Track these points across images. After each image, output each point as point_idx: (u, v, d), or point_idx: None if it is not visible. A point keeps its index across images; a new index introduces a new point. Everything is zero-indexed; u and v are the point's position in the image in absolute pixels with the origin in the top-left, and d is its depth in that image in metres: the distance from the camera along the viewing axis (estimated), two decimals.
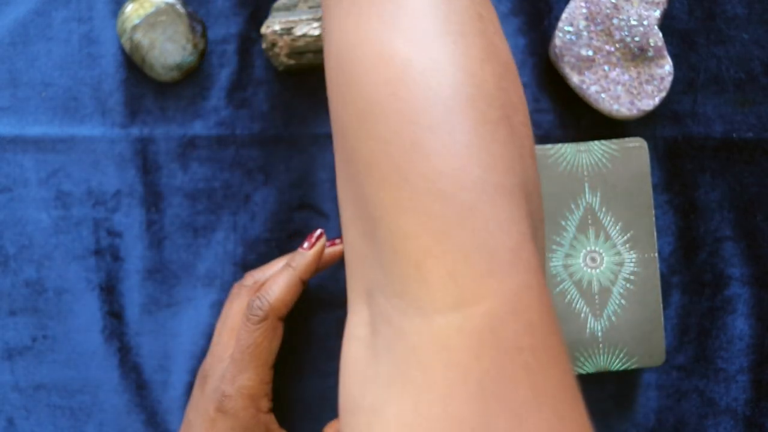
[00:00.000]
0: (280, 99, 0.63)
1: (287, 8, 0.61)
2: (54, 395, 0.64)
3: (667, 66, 0.61)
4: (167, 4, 0.61)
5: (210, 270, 0.63)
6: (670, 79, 0.61)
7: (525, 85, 0.64)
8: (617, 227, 0.58)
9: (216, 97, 0.63)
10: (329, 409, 0.64)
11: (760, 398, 0.64)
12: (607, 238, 0.58)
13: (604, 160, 0.58)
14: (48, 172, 0.63)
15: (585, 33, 0.61)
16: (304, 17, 0.61)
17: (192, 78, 0.63)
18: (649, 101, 0.61)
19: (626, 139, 0.59)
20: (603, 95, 0.61)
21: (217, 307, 0.63)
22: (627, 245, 0.58)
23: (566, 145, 0.58)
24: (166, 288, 0.63)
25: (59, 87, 0.63)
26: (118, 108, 0.63)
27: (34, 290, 0.63)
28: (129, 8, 0.61)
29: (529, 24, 0.63)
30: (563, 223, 0.57)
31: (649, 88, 0.61)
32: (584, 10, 0.61)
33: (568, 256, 0.57)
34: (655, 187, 0.64)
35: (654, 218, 0.59)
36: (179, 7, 0.61)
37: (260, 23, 0.63)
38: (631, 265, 0.58)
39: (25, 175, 0.63)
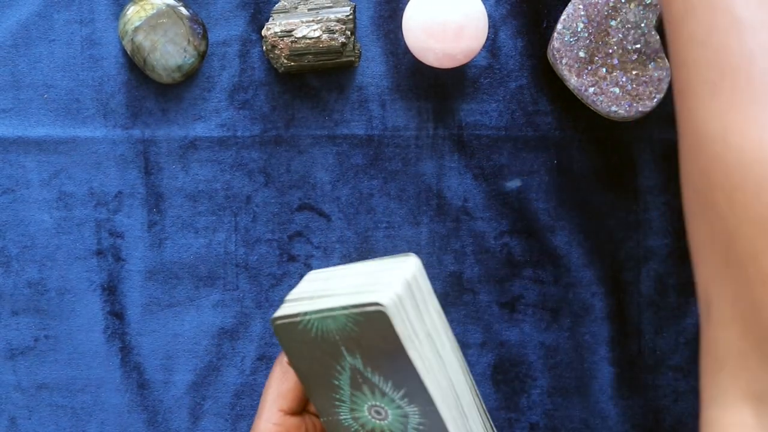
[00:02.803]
0: (280, 100, 0.64)
1: (287, 10, 0.62)
2: (56, 395, 0.64)
3: (664, 68, 0.61)
4: (168, 6, 0.62)
5: (212, 271, 0.64)
6: (667, 80, 0.61)
7: (523, 87, 0.64)
8: (388, 385, 0.53)
9: (217, 98, 0.64)
10: None
11: None
12: (383, 394, 0.53)
13: (350, 325, 0.51)
14: (50, 173, 0.63)
15: (583, 35, 0.61)
16: (304, 19, 0.61)
17: (193, 80, 0.64)
18: (647, 103, 0.61)
19: (366, 303, 0.50)
20: (601, 97, 0.61)
21: (219, 307, 0.64)
22: (405, 400, 0.53)
23: (309, 312, 0.52)
24: (167, 288, 0.64)
25: (61, 89, 0.63)
26: (120, 110, 0.63)
27: (36, 290, 0.64)
28: (130, 10, 0.62)
29: (528, 26, 0.64)
30: (336, 382, 0.54)
31: (646, 89, 0.61)
32: (582, 13, 0.61)
33: (352, 410, 0.54)
34: (652, 188, 0.64)
35: (420, 374, 0.51)
36: (180, 9, 0.62)
37: (261, 25, 0.64)
38: (416, 416, 0.53)
39: (28, 176, 0.63)
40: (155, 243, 0.64)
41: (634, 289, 0.64)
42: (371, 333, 0.51)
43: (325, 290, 0.54)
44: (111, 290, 0.64)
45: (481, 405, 0.57)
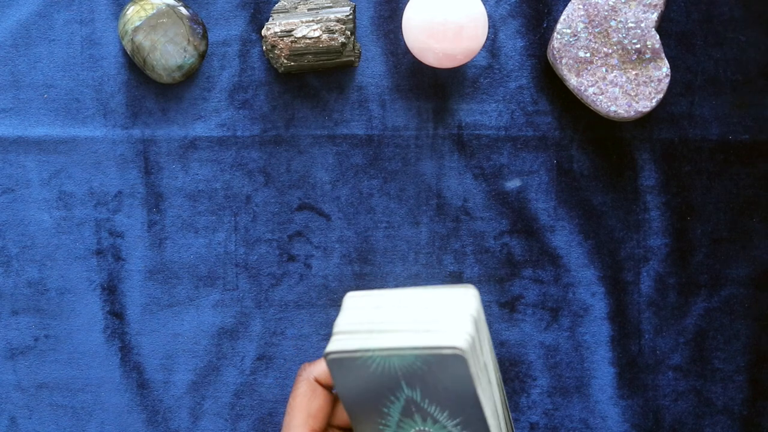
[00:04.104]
0: (280, 100, 0.64)
1: (287, 10, 0.62)
2: (56, 394, 0.64)
3: (664, 68, 0.61)
4: (168, 6, 0.62)
5: (212, 270, 0.64)
6: (667, 81, 0.61)
7: (523, 87, 0.64)
8: (444, 414, 0.52)
9: (217, 98, 0.64)
10: None
11: (756, 398, 0.64)
12: (435, 421, 0.52)
13: (419, 363, 0.50)
14: (50, 173, 0.63)
15: (583, 35, 0.61)
16: (304, 19, 0.61)
17: (193, 79, 0.64)
18: (647, 103, 0.61)
19: (441, 346, 0.49)
20: (600, 97, 0.61)
21: (219, 307, 0.64)
22: (458, 427, 0.52)
23: (372, 349, 0.51)
24: (167, 288, 0.64)
25: (61, 88, 0.63)
26: (120, 109, 0.63)
27: (36, 290, 0.64)
28: (130, 10, 0.62)
29: (528, 26, 0.64)
30: (386, 410, 0.52)
31: (646, 89, 0.61)
32: (582, 13, 0.61)
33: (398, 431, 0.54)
34: (652, 188, 0.64)
35: (482, 407, 0.51)
36: (180, 9, 0.62)
37: (261, 25, 0.64)
38: None
39: (28, 176, 0.63)
40: (155, 243, 0.64)
41: (634, 289, 0.64)
42: (440, 372, 0.50)
43: (381, 323, 0.52)
44: (111, 290, 0.64)
45: (509, 417, 0.56)
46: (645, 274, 0.64)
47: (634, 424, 0.64)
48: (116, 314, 0.64)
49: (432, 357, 0.49)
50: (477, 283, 0.64)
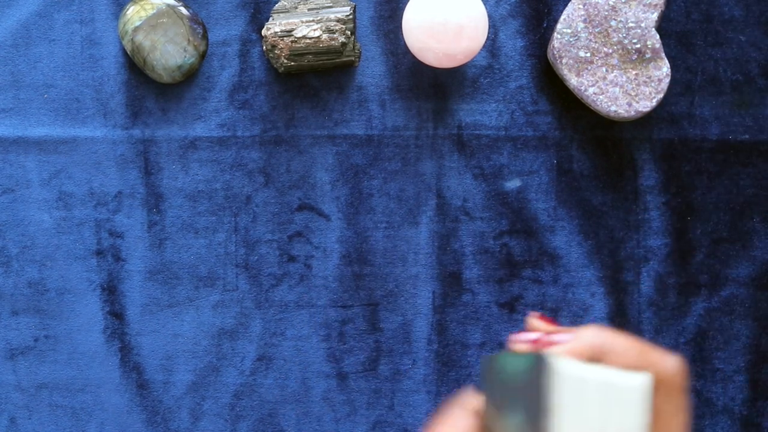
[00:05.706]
0: (280, 100, 0.64)
1: (287, 10, 0.62)
2: (56, 395, 0.64)
3: (664, 68, 0.61)
4: (168, 6, 0.62)
5: (212, 271, 0.64)
6: (667, 80, 0.61)
7: (523, 87, 0.64)
8: None
9: (217, 98, 0.64)
10: (330, 409, 0.64)
11: (756, 398, 0.64)
12: None
13: (527, 374, 0.43)
14: (50, 173, 0.63)
15: (583, 35, 0.61)
16: (304, 19, 0.61)
17: (193, 79, 0.64)
18: (647, 103, 0.61)
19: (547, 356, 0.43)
20: (601, 97, 0.61)
21: (219, 307, 0.64)
22: None
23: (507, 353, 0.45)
24: (167, 288, 0.64)
25: (61, 88, 0.63)
26: (120, 109, 0.63)
27: (36, 290, 0.64)
28: (130, 10, 0.62)
29: (528, 26, 0.64)
30: None
31: (646, 89, 0.61)
32: (582, 13, 0.61)
33: None
34: (652, 188, 0.64)
35: None
36: (180, 9, 0.62)
37: (261, 25, 0.64)
38: None
39: (28, 176, 0.63)
40: (155, 243, 0.64)
41: (634, 289, 0.64)
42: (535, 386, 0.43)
43: None
44: (111, 290, 0.64)
45: None
46: (645, 274, 0.64)
47: None
48: (116, 314, 0.64)
49: (534, 367, 0.43)
50: (476, 283, 0.64)
